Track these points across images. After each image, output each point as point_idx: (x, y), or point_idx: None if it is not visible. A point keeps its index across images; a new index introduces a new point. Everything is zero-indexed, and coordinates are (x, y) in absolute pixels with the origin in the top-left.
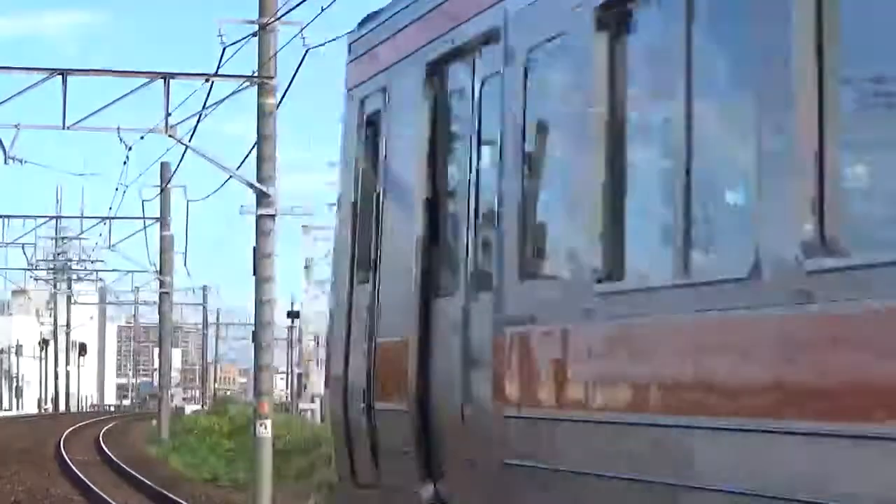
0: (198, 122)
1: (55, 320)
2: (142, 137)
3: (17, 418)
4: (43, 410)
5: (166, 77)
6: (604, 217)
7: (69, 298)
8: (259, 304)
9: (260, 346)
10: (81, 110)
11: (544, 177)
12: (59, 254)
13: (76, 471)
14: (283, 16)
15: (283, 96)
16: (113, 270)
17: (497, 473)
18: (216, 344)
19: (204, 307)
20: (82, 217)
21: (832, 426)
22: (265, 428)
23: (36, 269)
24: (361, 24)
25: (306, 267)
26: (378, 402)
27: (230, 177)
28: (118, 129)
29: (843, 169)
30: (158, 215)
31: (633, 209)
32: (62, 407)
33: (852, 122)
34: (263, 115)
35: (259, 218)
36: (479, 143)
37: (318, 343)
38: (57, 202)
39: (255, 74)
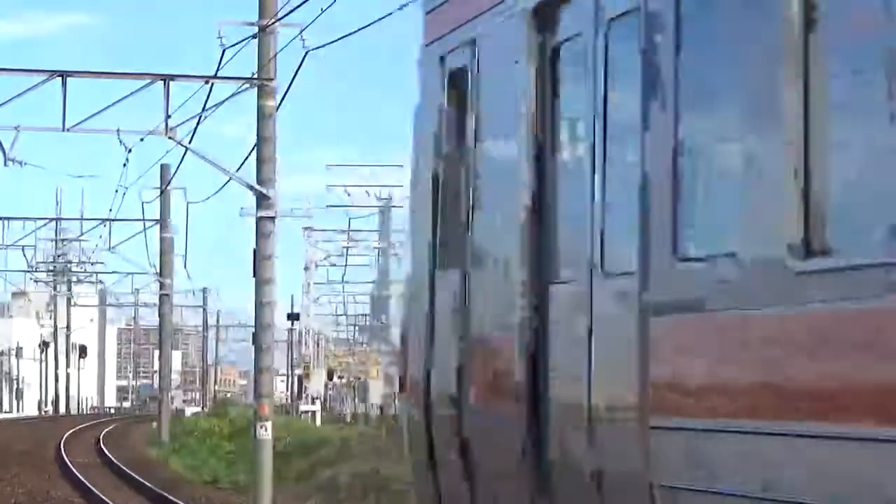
0: (198, 123)
1: (55, 322)
2: (141, 139)
3: (18, 420)
4: (43, 412)
5: (166, 79)
6: (806, 179)
7: (69, 300)
8: (259, 306)
9: (260, 349)
10: (81, 112)
11: (713, 134)
12: (59, 256)
13: (76, 473)
14: (282, 17)
15: (282, 98)
16: (113, 272)
17: (641, 498)
18: (216, 346)
19: (204, 309)
20: (82, 219)
21: None
22: (265, 430)
23: (36, 271)
24: None
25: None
26: (473, 408)
27: (230, 179)
28: (118, 130)
29: None
30: (158, 217)
31: (841, 166)
32: (62, 409)
33: None
34: (263, 116)
35: (259, 220)
36: (607, 101)
37: (318, 344)
38: (57, 204)
39: (255, 76)
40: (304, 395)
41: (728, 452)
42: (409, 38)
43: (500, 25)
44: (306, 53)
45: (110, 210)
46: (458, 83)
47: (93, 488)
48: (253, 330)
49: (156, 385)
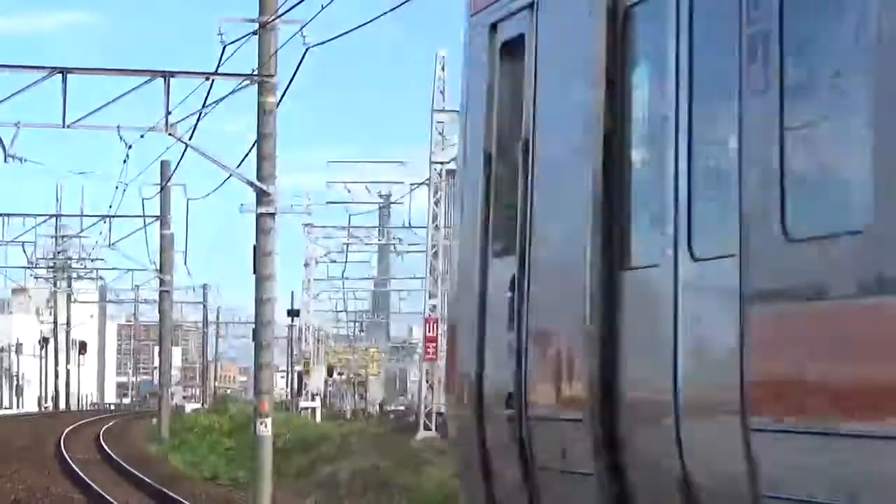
0: (198, 120)
1: (55, 318)
2: (142, 136)
3: (18, 417)
4: (43, 409)
5: (166, 75)
6: None
7: (69, 297)
8: (259, 302)
9: (260, 345)
10: (81, 109)
11: (838, 91)
12: (59, 252)
13: (76, 469)
14: (283, 14)
15: (283, 95)
16: (113, 269)
17: None
18: (216, 342)
19: (204, 305)
20: (82, 215)
21: None
22: (265, 426)
23: (36, 268)
24: None
25: (306, 265)
26: (534, 408)
27: (230, 175)
28: (118, 127)
29: None
30: (158, 214)
31: None
32: (62, 405)
33: None
34: (263, 113)
35: (259, 216)
36: (692, 65)
37: (318, 341)
38: (57, 200)
39: (255, 73)
40: (303, 392)
41: (849, 459)
42: (409, 38)
43: None
44: (307, 50)
45: (110, 206)
46: (513, 52)
47: (92, 484)
48: (253, 326)
49: (156, 381)
